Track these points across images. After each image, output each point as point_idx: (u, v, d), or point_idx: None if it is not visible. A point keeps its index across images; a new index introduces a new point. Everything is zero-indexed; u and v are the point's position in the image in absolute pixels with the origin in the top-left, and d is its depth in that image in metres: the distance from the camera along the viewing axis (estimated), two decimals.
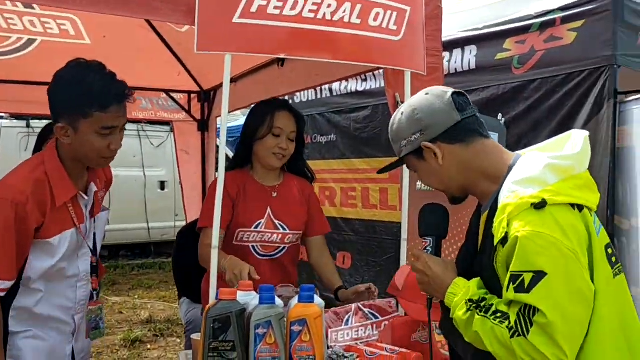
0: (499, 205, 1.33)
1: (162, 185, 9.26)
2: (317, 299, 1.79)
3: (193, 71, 4.26)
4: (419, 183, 2.54)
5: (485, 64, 3.50)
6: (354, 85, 4.54)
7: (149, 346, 5.43)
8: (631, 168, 2.90)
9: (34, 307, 1.86)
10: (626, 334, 1.32)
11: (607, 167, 2.91)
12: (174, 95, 4.52)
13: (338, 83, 4.61)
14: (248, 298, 1.79)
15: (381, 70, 4.19)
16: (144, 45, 3.66)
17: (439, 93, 1.49)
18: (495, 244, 1.30)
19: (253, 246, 2.38)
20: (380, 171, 1.70)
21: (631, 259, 2.85)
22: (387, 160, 4.63)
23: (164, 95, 4.52)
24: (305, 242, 2.56)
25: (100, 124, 1.80)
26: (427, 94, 1.50)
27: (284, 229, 2.40)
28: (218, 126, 4.71)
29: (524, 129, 3.33)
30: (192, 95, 4.55)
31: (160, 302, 7.01)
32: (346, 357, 1.80)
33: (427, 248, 1.55)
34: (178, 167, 4.78)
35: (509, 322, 1.26)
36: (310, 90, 4.92)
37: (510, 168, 1.41)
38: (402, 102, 2.34)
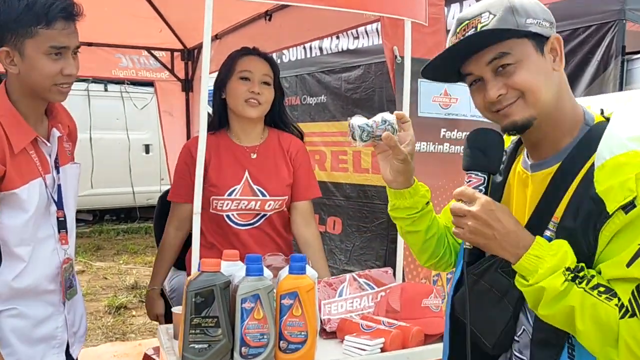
0: (606, 162, 1.11)
1: (147, 149, 9.10)
2: (310, 270, 1.64)
3: (175, 28, 4.09)
4: (418, 144, 2.39)
5: None
6: (345, 43, 4.33)
7: (134, 312, 5.32)
8: None
9: (12, 280, 1.66)
10: None
11: None
12: (155, 53, 4.32)
13: (328, 41, 4.40)
14: (233, 269, 1.64)
15: (374, 27, 4.02)
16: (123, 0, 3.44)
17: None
18: (611, 209, 1.09)
19: (228, 215, 2.14)
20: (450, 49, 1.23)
21: None
22: None
23: (145, 53, 4.32)
24: (289, 207, 2.25)
25: (47, 42, 1.60)
26: None
27: (263, 195, 2.14)
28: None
29: None
30: (175, 54, 4.37)
31: (146, 268, 6.88)
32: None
33: (480, 188, 1.20)
34: (161, 129, 4.59)
35: (619, 300, 1.09)
36: (299, 49, 4.70)
37: (587, 122, 1.22)
38: (402, 57, 2.18)
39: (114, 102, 8.71)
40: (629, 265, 1.07)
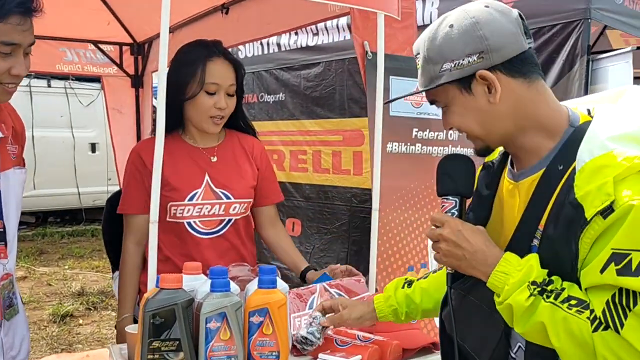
0: (585, 165, 1.05)
1: (93, 148, 8.78)
2: (281, 283, 1.51)
3: (125, 20, 3.89)
4: (389, 144, 2.29)
5: None
6: (304, 39, 4.20)
7: (80, 321, 5.05)
8: None
9: None
10: None
11: None
12: (103, 47, 4.11)
13: (287, 37, 4.26)
14: (196, 283, 1.49)
15: (334, 23, 3.90)
16: None
17: (502, 9, 1.17)
18: (589, 215, 1.02)
19: (189, 223, 1.97)
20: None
21: None
22: (341, 122, 4.33)
23: (92, 47, 4.11)
24: (254, 212, 2.13)
25: None
26: (487, 6, 1.17)
27: (228, 198, 1.99)
28: (155, 84, 4.33)
29: None
30: (124, 48, 4.17)
31: (92, 273, 6.59)
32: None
33: (452, 211, 1.22)
34: (109, 127, 4.37)
35: (591, 313, 1.02)
36: (255, 45, 4.55)
37: (572, 123, 1.16)
38: (373, 52, 2.06)
39: (58, 99, 8.36)
40: (602, 271, 1.02)
